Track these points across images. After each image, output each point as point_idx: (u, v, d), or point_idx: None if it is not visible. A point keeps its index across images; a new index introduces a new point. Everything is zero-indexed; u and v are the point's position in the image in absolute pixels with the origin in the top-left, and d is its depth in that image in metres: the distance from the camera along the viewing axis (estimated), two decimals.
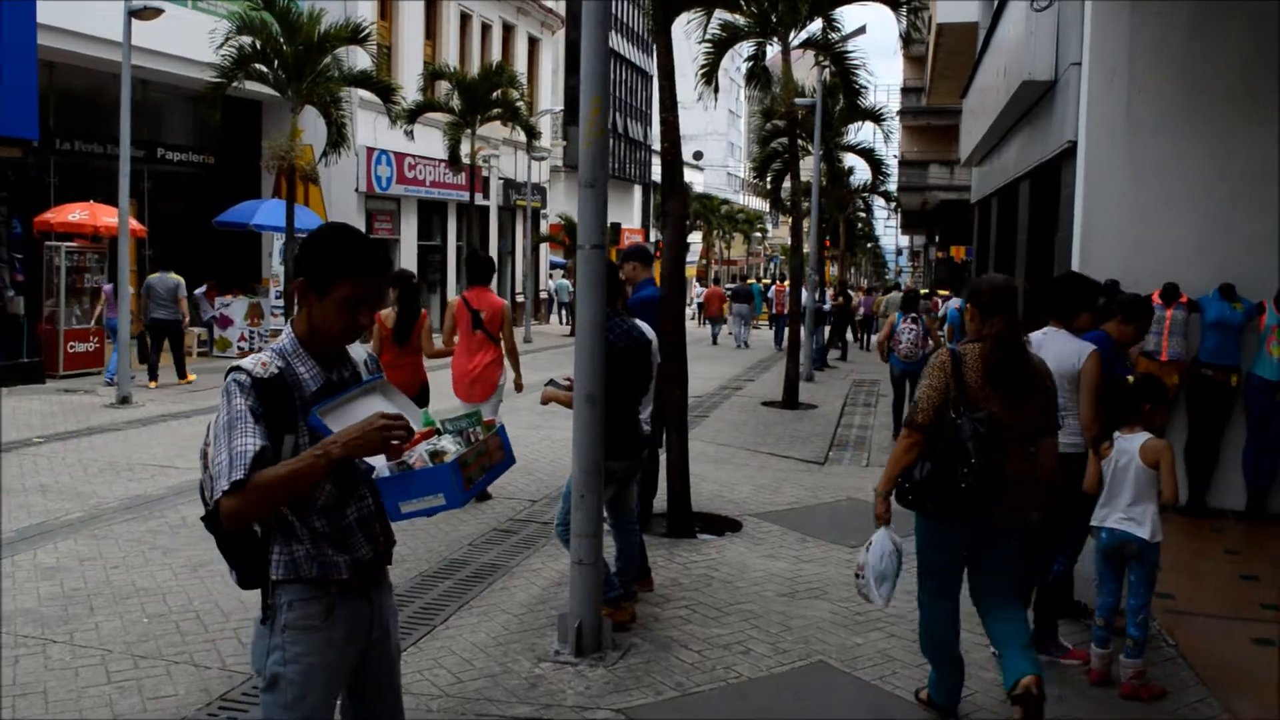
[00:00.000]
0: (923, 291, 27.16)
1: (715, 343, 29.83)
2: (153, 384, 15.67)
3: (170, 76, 20.60)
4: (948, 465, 4.35)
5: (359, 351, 2.98)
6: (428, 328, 8.78)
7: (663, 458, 8.07)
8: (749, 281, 42.17)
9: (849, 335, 28.58)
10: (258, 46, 17.86)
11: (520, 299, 34.35)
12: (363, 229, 25.29)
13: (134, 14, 14.06)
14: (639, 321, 6.10)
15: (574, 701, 4.89)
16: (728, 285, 36.82)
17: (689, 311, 33.60)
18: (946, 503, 4.41)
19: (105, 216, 17.76)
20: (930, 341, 12.87)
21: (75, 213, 18.08)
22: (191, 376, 16.33)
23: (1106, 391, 5.34)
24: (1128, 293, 6.63)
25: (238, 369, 2.69)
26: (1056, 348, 5.43)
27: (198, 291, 20.18)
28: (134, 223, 17.40)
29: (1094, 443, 5.32)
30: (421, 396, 8.49)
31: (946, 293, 30.20)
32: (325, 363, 2.82)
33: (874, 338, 22.59)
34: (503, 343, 8.84)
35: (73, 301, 16.76)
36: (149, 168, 22.07)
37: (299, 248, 2.87)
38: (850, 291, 32.70)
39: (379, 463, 2.76)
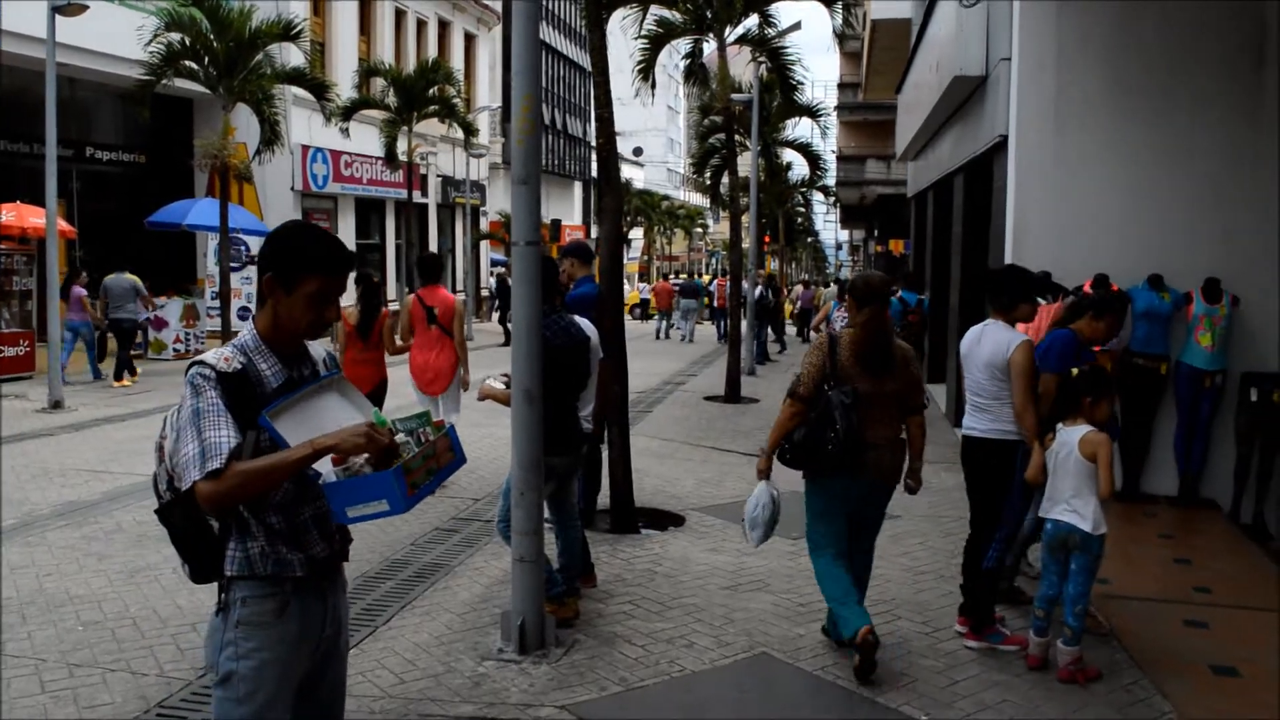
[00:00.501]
0: None
1: (666, 336, 30.31)
2: (129, 381, 16.12)
3: (98, 74, 20.22)
4: (819, 430, 5.12)
5: (318, 350, 3.00)
6: (389, 325, 9.18)
7: (605, 454, 8.07)
8: (694, 278, 42.50)
9: (789, 329, 28.91)
10: (187, 43, 17.57)
11: (461, 297, 34.14)
12: None
13: (58, 10, 13.74)
14: (579, 318, 6.09)
15: (518, 699, 4.88)
16: (675, 281, 37.49)
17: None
18: (820, 462, 5.18)
19: (33, 217, 17.39)
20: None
21: (1, 214, 17.68)
22: (127, 381, 16.09)
23: (1063, 384, 5.44)
24: (1101, 290, 6.74)
25: (201, 363, 2.72)
26: (993, 338, 5.55)
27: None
28: (63, 224, 17.08)
29: (1031, 433, 5.42)
30: (380, 390, 9.09)
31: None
32: (286, 360, 2.84)
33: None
34: (454, 336, 9.20)
35: (1, 305, 16.36)
36: (78, 167, 21.66)
37: (264, 244, 2.88)
38: (799, 285, 33.18)
39: (325, 468, 2.76)
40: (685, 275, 42.96)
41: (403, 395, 10.47)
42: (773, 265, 35.84)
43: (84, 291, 16.37)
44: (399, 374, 9.78)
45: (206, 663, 2.87)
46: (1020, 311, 5.64)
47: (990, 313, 5.73)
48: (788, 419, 5.25)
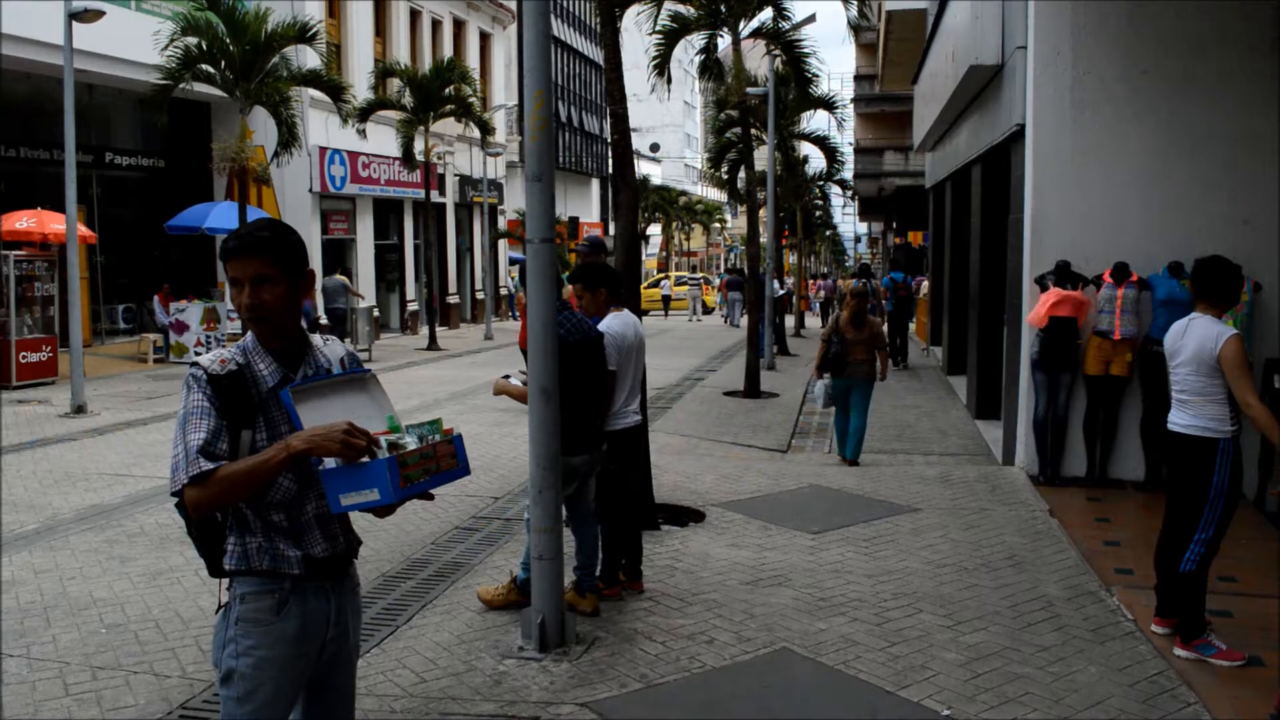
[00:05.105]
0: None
1: (727, 323, 34.98)
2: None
3: (116, 80, 20.32)
4: (826, 354, 10.44)
5: (336, 349, 3.01)
6: None
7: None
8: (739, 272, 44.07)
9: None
10: (204, 47, 17.62)
11: (480, 296, 34.21)
12: (317, 229, 25.28)
13: (74, 16, 13.82)
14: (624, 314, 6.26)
15: (538, 697, 4.88)
16: (727, 274, 41.36)
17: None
18: (827, 367, 10.49)
19: (53, 223, 17.52)
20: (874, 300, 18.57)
21: (23, 220, 17.82)
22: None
23: None
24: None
25: (195, 365, 2.77)
26: (1199, 331, 5.37)
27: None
28: (83, 229, 17.19)
29: (1268, 423, 5.14)
30: None
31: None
32: (284, 359, 2.85)
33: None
34: None
35: (23, 311, 16.47)
36: (97, 173, 21.79)
37: None
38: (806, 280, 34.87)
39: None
40: (732, 271, 43.81)
41: (427, 395, 10.73)
42: (792, 259, 35.96)
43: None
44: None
45: (211, 660, 2.91)
46: (1221, 306, 5.46)
47: (1196, 306, 5.52)
48: (820, 350, 10.54)
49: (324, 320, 22.01)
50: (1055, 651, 5.45)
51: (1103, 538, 7.66)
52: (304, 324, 2.95)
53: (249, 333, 2.86)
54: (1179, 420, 5.49)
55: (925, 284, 24.12)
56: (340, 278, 23.55)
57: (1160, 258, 9.04)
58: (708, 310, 44.12)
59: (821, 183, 34.40)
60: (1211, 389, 5.32)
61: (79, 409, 13.69)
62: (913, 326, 24.67)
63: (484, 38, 36.66)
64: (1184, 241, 8.96)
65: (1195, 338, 5.38)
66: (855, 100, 43.57)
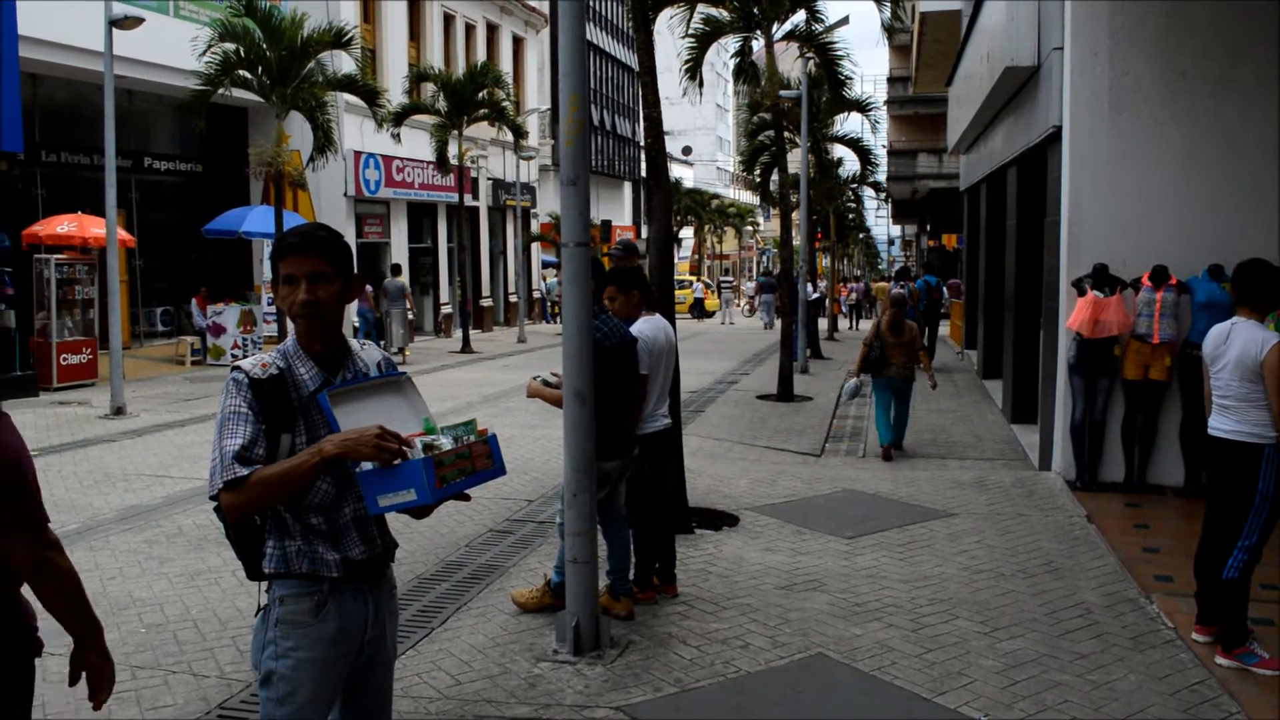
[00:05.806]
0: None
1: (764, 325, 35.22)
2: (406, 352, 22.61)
3: (154, 85, 20.55)
4: (868, 356, 11.17)
5: (373, 353, 3.03)
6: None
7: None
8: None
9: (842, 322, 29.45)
10: (241, 53, 17.79)
11: (513, 299, 34.31)
12: (352, 233, 25.40)
13: (114, 23, 14.00)
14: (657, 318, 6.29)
15: (573, 700, 4.89)
16: (761, 277, 41.72)
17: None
18: (869, 368, 11.21)
19: (93, 227, 17.72)
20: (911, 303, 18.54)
21: (63, 224, 18.03)
22: (408, 351, 22.67)
23: None
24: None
25: (237, 369, 2.80)
26: (1242, 336, 5.30)
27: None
28: (122, 233, 17.40)
29: None
30: None
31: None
32: (324, 364, 2.87)
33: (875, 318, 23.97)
34: None
35: (64, 313, 16.70)
36: (136, 177, 22.03)
37: None
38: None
39: None
40: (765, 274, 44.04)
41: (461, 397, 10.72)
42: (825, 262, 35.87)
43: (370, 288, 21.95)
44: None
45: (250, 662, 2.94)
46: (1262, 309, 5.37)
47: (1237, 310, 5.45)
48: (862, 352, 11.30)
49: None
50: (1094, 659, 5.39)
51: (1142, 544, 7.58)
52: (364, 327, 2.97)
53: (289, 337, 2.89)
54: (1221, 426, 5.40)
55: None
56: (400, 280, 23.58)
57: (1199, 261, 8.94)
58: (710, 314, 44.16)
59: (855, 185, 34.30)
60: (1255, 394, 5.22)
61: (118, 410, 13.85)
62: (945, 329, 24.71)
63: (517, 42, 36.78)
64: (1223, 244, 8.84)
65: (1239, 343, 5.30)
66: (889, 102, 43.43)
